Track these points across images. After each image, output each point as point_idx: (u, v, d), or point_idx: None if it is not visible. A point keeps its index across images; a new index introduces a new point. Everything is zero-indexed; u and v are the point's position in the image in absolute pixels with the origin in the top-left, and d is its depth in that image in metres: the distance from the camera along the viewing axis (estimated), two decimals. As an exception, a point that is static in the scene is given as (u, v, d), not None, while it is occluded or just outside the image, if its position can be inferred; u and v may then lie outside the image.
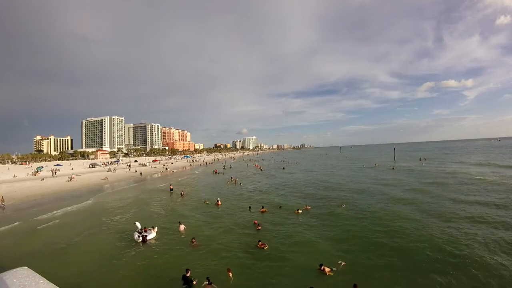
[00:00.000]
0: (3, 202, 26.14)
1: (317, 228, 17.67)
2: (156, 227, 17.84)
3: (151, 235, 16.80)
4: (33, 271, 3.80)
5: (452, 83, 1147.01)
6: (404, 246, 14.07)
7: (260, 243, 14.58)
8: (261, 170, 68.18)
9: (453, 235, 15.15)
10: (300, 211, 21.96)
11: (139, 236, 16.31)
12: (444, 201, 23.34)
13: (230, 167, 78.69)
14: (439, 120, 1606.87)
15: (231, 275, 11.54)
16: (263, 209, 22.67)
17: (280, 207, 23.72)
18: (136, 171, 68.96)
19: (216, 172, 61.80)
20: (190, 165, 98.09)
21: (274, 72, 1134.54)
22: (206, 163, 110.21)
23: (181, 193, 32.69)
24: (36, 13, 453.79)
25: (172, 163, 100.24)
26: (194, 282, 10.98)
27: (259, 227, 17.91)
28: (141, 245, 15.78)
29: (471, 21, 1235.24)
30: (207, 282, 10.78)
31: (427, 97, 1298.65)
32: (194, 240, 15.43)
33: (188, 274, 11.19)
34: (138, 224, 17.56)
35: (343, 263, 11.95)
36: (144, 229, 17.06)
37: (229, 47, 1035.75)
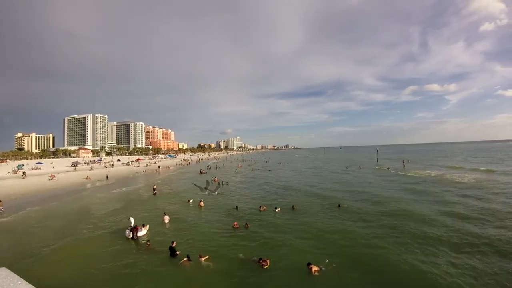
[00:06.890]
0: (1, 206, 24.15)
1: (305, 227, 18.01)
2: (148, 225, 17.89)
3: (142, 232, 16.96)
4: (12, 272, 3.73)
5: (435, 87, 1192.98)
6: (389, 251, 13.82)
7: (261, 260, 12.28)
8: (249, 170, 69.05)
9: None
10: (279, 209, 22.53)
11: (129, 233, 16.43)
12: (430, 206, 23.56)
13: (216, 167, 78.96)
14: (422, 123, 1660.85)
15: (203, 260, 12.49)
16: (263, 208, 23.11)
17: (261, 206, 23.79)
18: (107, 166, 67.48)
19: (201, 173, 61.94)
20: (180, 164, 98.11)
21: (261, 73, 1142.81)
22: (189, 163, 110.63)
23: (154, 192, 32.51)
24: (20, 7, 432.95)
25: (155, 163, 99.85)
26: (178, 253, 13.07)
27: (248, 226, 18.14)
28: (132, 242, 15.86)
29: (456, 27, 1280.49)
30: (186, 259, 12.40)
31: (410, 101, 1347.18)
32: (149, 243, 15.22)
33: (173, 245, 13.41)
34: (132, 220, 17.56)
35: (326, 260, 12.22)
36: (136, 227, 16.93)
37: (217, 46, 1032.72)
